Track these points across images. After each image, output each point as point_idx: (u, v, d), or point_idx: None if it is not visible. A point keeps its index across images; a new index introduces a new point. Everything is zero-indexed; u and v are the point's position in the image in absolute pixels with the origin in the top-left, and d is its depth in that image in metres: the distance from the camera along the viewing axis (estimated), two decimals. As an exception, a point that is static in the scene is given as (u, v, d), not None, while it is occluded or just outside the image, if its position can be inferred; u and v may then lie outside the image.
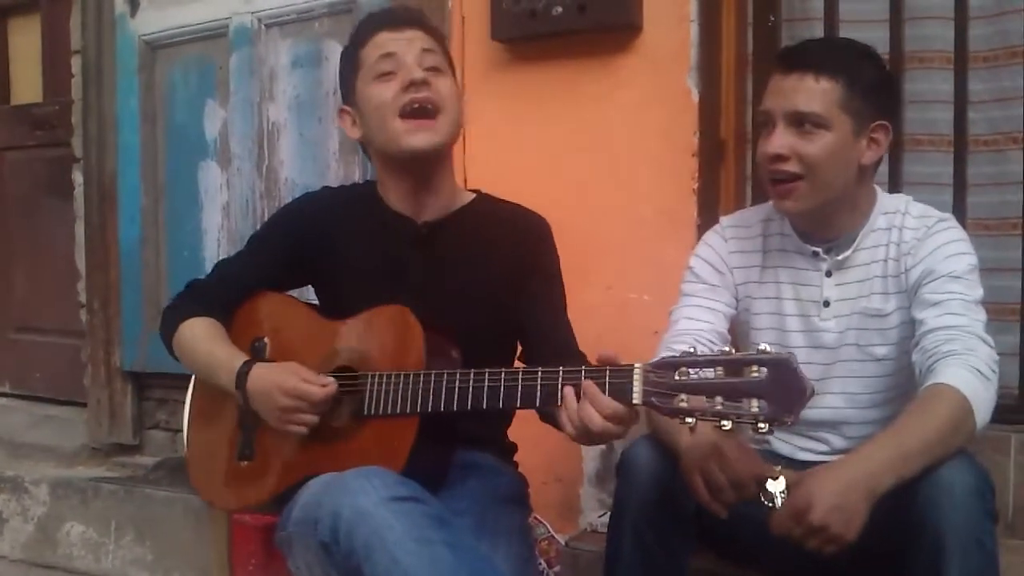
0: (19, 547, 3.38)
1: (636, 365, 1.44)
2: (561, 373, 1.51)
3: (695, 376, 1.39)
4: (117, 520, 3.18)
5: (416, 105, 1.78)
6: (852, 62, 1.76)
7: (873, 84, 1.77)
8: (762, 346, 1.38)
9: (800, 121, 1.73)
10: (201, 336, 1.87)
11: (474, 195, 1.96)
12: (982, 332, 1.66)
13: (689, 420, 1.38)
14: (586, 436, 1.49)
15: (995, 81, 2.39)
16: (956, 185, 2.36)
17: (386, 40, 1.82)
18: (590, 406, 1.46)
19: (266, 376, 1.74)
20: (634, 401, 1.43)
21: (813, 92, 1.73)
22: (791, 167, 1.75)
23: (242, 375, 1.76)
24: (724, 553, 1.90)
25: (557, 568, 2.41)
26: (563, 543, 2.43)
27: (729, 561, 1.92)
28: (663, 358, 1.44)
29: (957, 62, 2.37)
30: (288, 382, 1.69)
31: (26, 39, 4.18)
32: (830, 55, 1.77)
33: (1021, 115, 2.34)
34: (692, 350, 1.42)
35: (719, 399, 1.36)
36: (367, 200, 1.92)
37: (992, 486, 1.53)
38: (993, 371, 1.61)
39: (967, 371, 1.57)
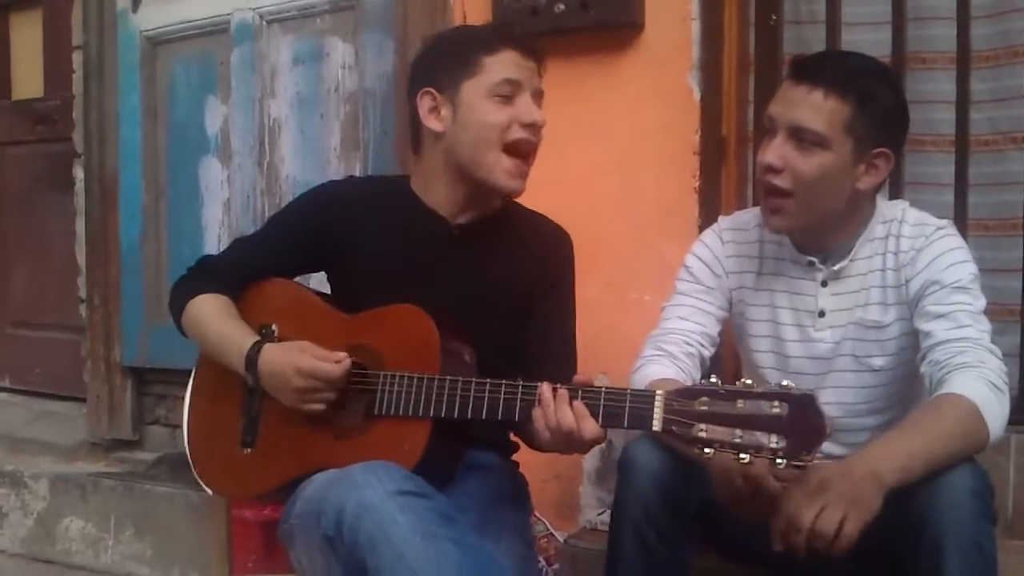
0: (18, 542, 3.38)
1: (658, 392, 1.44)
2: (580, 393, 1.51)
3: (716, 407, 1.39)
4: (116, 515, 3.18)
5: (525, 147, 1.79)
6: (866, 84, 1.71)
7: (884, 110, 1.72)
8: (785, 382, 1.38)
9: (800, 135, 1.70)
10: (212, 313, 1.86)
11: (502, 202, 1.95)
12: (990, 344, 1.65)
13: (708, 451, 1.39)
14: (557, 434, 1.51)
15: (997, 81, 2.39)
16: (957, 185, 2.36)
17: (516, 63, 1.79)
18: (567, 407, 1.49)
19: (278, 357, 1.73)
20: (654, 428, 1.44)
21: (819, 109, 1.68)
22: (782, 182, 1.72)
23: (252, 356, 1.75)
24: (727, 553, 1.90)
25: (556, 566, 2.42)
26: (562, 541, 2.43)
27: (732, 561, 1.92)
28: (686, 387, 1.44)
29: (959, 62, 2.37)
30: (302, 362, 1.68)
31: (27, 34, 4.17)
32: (844, 73, 1.71)
33: (1023, 115, 2.34)
34: (715, 381, 1.42)
35: (738, 432, 1.37)
36: (398, 194, 1.91)
37: (991, 487, 1.54)
38: (1005, 383, 1.60)
39: (981, 383, 1.56)
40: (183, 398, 1.99)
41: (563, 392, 1.51)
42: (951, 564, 1.45)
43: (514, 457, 1.99)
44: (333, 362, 1.68)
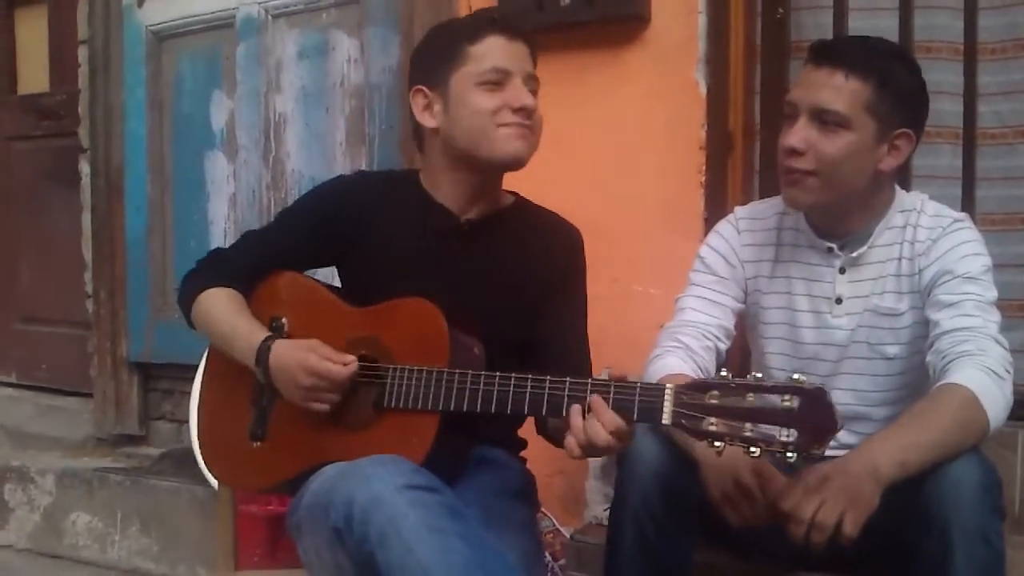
0: (25, 537, 3.39)
1: (668, 385, 1.44)
2: (590, 386, 1.50)
3: (726, 401, 1.38)
4: (123, 510, 3.19)
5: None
6: (886, 64, 1.71)
7: (904, 91, 1.73)
8: (796, 376, 1.37)
9: (822, 117, 1.70)
10: (222, 306, 1.85)
11: (513, 198, 1.95)
12: (996, 333, 1.64)
13: (718, 444, 1.38)
14: (590, 451, 1.49)
15: (1004, 74, 2.38)
16: (965, 179, 2.35)
17: (501, 48, 1.78)
18: (596, 421, 1.47)
19: (287, 353, 1.72)
20: (663, 422, 1.43)
21: (840, 90, 1.69)
22: (805, 164, 1.72)
23: (263, 351, 1.75)
24: (730, 546, 1.89)
25: (562, 561, 2.42)
26: (568, 536, 2.43)
27: (736, 554, 1.91)
28: (696, 381, 1.43)
29: (966, 54, 2.36)
30: (310, 360, 1.68)
31: (33, 29, 4.18)
32: (864, 54, 1.71)
33: (1031, 109, 2.33)
34: (726, 375, 1.41)
35: (748, 425, 1.36)
36: (408, 188, 1.90)
37: (999, 482, 1.53)
38: (1007, 371, 1.60)
39: (980, 371, 1.56)
40: (189, 393, 1.99)
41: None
42: (958, 557, 1.44)
43: (521, 453, 1.98)
44: (340, 364, 1.68)
